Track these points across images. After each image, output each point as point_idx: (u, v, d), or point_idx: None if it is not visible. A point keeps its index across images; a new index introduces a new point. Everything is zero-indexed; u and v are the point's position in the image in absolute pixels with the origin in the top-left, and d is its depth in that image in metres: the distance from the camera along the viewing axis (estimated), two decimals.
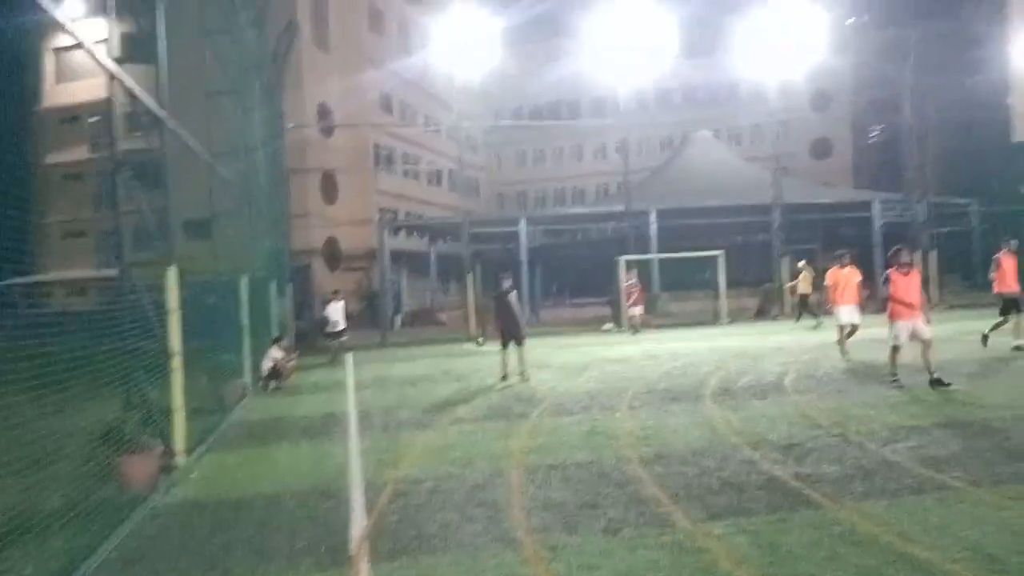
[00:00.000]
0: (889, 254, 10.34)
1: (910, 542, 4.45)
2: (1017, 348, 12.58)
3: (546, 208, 58.83)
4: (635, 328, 22.26)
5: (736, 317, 26.09)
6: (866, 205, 35.37)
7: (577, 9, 33.62)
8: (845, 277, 13.58)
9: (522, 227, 33.88)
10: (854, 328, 13.64)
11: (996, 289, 13.51)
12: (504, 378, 12.77)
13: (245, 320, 12.82)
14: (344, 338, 18.89)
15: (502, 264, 43.40)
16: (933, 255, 28.84)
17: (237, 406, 11.63)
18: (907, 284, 9.96)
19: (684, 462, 6.69)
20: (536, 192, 63.40)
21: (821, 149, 57.13)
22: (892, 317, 10.08)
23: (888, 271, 10.17)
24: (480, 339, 21.89)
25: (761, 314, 27.19)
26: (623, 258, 25.13)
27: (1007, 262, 13.40)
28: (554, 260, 40.30)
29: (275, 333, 16.83)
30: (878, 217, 34.16)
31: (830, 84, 54.36)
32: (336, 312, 18.79)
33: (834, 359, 13.31)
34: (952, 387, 9.40)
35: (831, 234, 39.41)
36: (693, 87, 58.51)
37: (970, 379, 10.26)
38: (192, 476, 7.38)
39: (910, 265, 10.16)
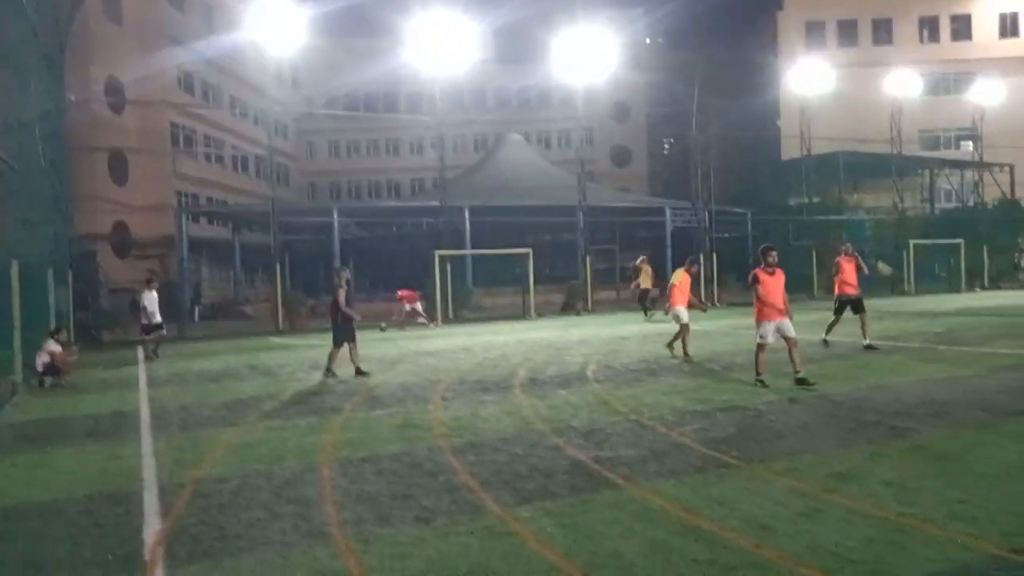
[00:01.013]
0: (759, 251, 10.06)
1: (695, 515, 4.92)
2: (868, 347, 13.15)
3: (361, 200, 57.72)
4: (401, 325, 22.46)
5: (544, 311, 27.21)
6: (660, 211, 38.35)
7: (393, 7, 33.39)
8: (688, 280, 13.47)
9: (335, 218, 33.08)
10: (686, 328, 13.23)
11: (837, 291, 14.19)
12: (331, 374, 12.30)
13: (16, 310, 11.41)
14: (163, 331, 17.14)
15: (313, 256, 42.18)
16: (714, 257, 31.81)
17: (6, 405, 10.34)
18: (774, 284, 9.84)
19: (495, 450, 6.91)
20: (350, 184, 62.04)
21: (621, 157, 61.00)
22: (760, 317, 9.86)
23: (755, 271, 9.95)
24: (384, 324, 21.81)
25: (567, 309, 28.56)
26: (438, 252, 25.32)
27: (847, 264, 14.08)
28: (369, 253, 39.71)
29: (52, 325, 15.16)
30: (669, 221, 37.14)
31: (629, 97, 58.30)
32: (151, 302, 16.76)
33: (631, 351, 14.30)
34: (815, 386, 9.41)
35: (628, 235, 42.30)
36: (506, 90, 60.12)
37: (743, 369, 11.44)
38: None
39: (776, 265, 9.94)
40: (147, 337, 16.75)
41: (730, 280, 36.57)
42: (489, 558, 4.31)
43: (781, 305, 9.84)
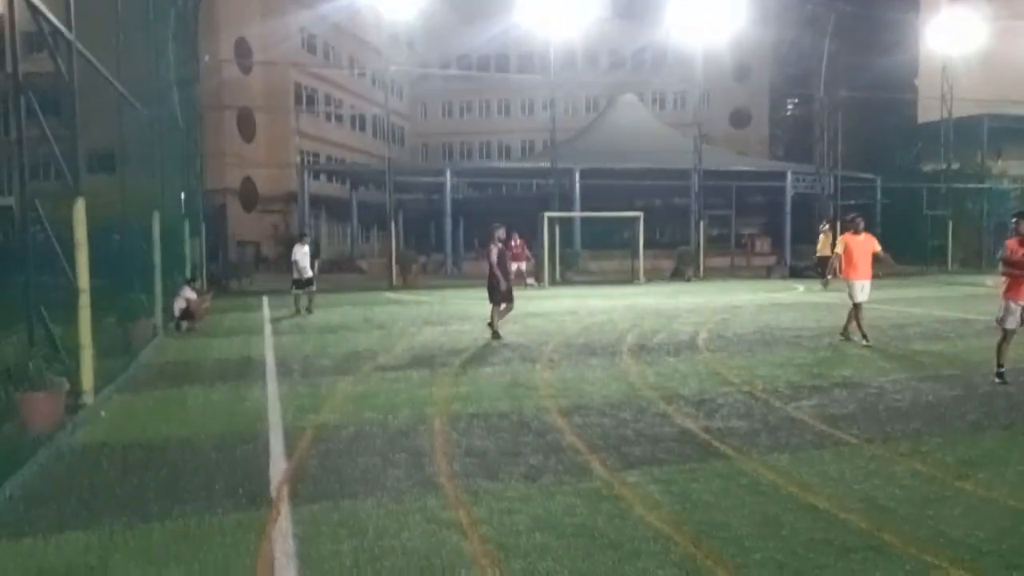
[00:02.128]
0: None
1: (809, 492, 4.76)
2: None
3: (472, 161, 58.28)
4: (530, 284, 22.54)
5: (652, 277, 26.78)
6: (780, 175, 36.67)
7: None
8: (860, 245, 10.96)
9: (447, 178, 33.57)
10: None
11: None
12: (496, 335, 11.70)
13: (156, 259, 12.30)
14: (313, 287, 16.25)
15: (425, 214, 43.08)
16: (837, 226, 30.20)
17: (148, 347, 11.21)
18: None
19: (601, 413, 6.91)
20: (462, 144, 62.65)
21: (740, 119, 58.55)
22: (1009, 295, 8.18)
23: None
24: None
25: (676, 275, 27.99)
26: (547, 214, 25.29)
27: None
28: (479, 214, 40.18)
29: (188, 274, 16.26)
30: (790, 187, 35.50)
31: (752, 56, 55.57)
32: (303, 256, 16.16)
33: (744, 320, 13.86)
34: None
35: (745, 201, 40.76)
36: (620, 50, 58.64)
37: (861, 344, 10.88)
38: (100, 416, 7.12)
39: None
40: (298, 291, 16.17)
41: None
42: (595, 520, 4.34)
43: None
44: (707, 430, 6.28)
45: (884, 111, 40.94)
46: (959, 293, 19.19)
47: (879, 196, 37.66)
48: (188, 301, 13.70)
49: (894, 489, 4.79)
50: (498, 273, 11.67)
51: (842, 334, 11.18)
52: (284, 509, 4.60)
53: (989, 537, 4.00)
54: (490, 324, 11.94)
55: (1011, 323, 8.08)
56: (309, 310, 15.88)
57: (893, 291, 20.19)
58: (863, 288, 10.82)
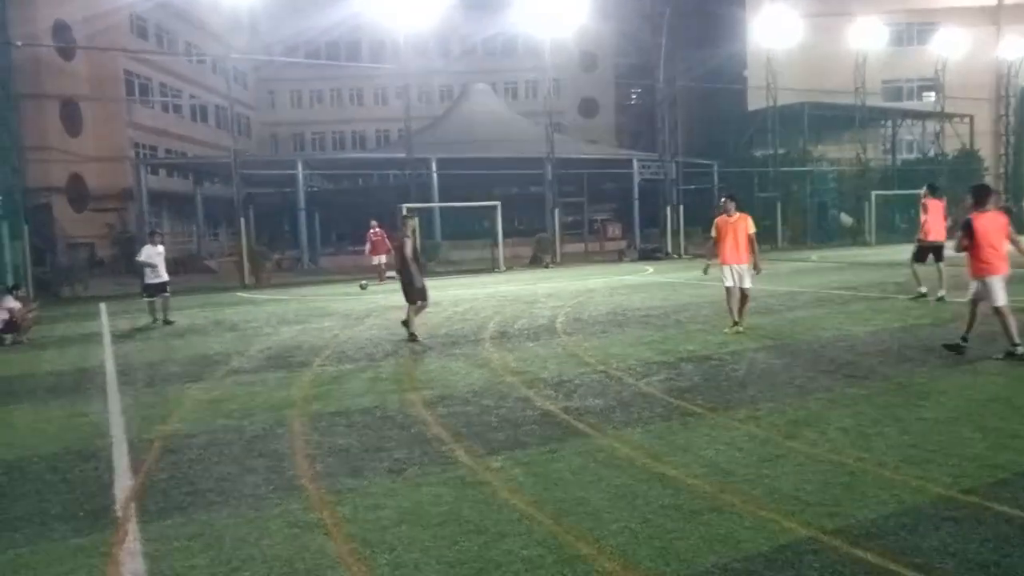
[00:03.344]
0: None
1: (660, 462, 5.07)
2: (940, 299, 12.48)
3: (325, 152, 56.68)
4: (388, 278, 22.21)
5: (512, 264, 27.26)
6: (628, 162, 38.34)
7: None
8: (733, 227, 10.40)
9: (299, 170, 32.51)
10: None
11: (922, 235, 13.22)
12: (413, 337, 10.68)
13: None
14: (167, 294, 14.51)
15: (278, 208, 41.47)
16: (680, 209, 32.02)
17: None
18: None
19: (465, 402, 6.99)
20: (313, 135, 60.78)
21: (588, 108, 60.52)
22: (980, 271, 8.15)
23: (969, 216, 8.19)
24: (364, 283, 20.82)
25: (535, 262, 28.65)
26: (406, 206, 25.07)
27: (934, 206, 13.10)
28: (334, 206, 39.22)
29: (10, 281, 14.82)
30: (637, 173, 37.18)
31: (597, 47, 57.52)
32: (155, 256, 14.40)
33: (599, 303, 14.43)
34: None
35: (596, 188, 42.29)
36: (472, 39, 58.92)
37: (707, 320, 11.66)
38: None
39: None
40: (150, 298, 14.45)
41: (696, 232, 36.93)
42: (461, 507, 4.41)
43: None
44: (566, 410, 6.51)
45: (718, 101, 43.74)
46: (787, 268, 20.91)
47: (716, 181, 40.24)
48: (11, 311, 12.52)
49: (734, 452, 5.19)
50: (412, 268, 10.62)
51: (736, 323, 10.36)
52: (131, 528, 4.34)
53: (814, 490, 4.44)
54: (405, 324, 10.95)
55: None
56: (167, 319, 14.26)
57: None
58: (732, 272, 10.27)
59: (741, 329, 10.18)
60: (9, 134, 20.19)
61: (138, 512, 4.58)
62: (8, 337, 12.34)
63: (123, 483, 5.14)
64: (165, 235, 38.95)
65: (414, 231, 10.86)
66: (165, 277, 14.52)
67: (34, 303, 15.38)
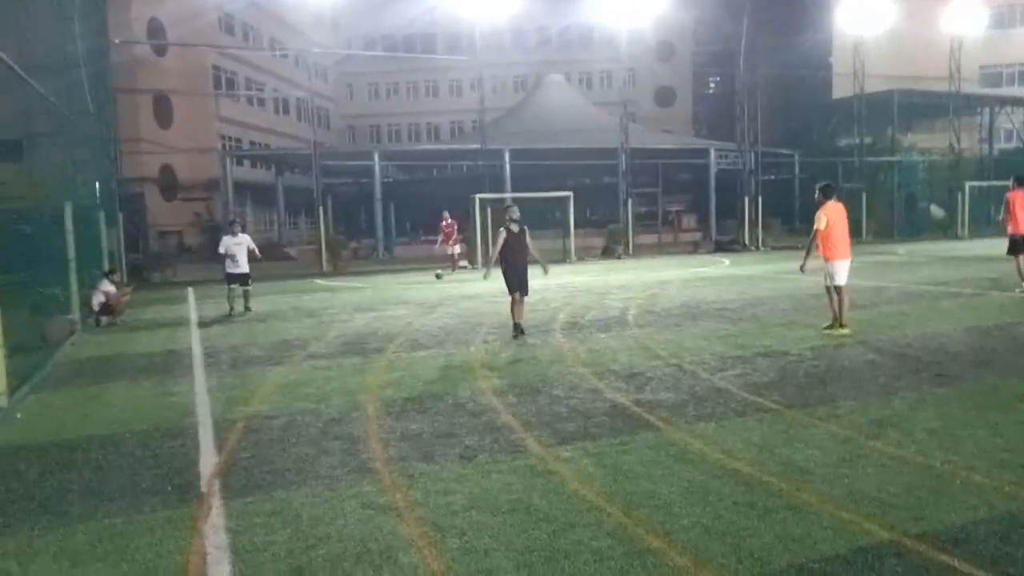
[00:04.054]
0: None
1: (734, 458, 4.96)
2: None
3: (400, 144, 57.59)
4: (462, 267, 22.46)
5: (584, 255, 27.12)
6: (704, 152, 37.55)
7: None
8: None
9: (376, 161, 33.12)
10: None
11: (1012, 229, 13.12)
12: (515, 328, 10.16)
13: (71, 251, 11.78)
14: (248, 286, 14.15)
15: (354, 199, 42.39)
16: (759, 200, 31.16)
17: (65, 343, 10.78)
18: None
19: (535, 391, 7.00)
20: (390, 127, 61.83)
21: (664, 97, 59.52)
22: None
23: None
24: (439, 272, 21.12)
25: (607, 253, 28.41)
26: (478, 196, 25.26)
27: (1020, 199, 13.00)
28: (408, 197, 39.81)
29: (106, 266, 15.66)
30: (714, 163, 36.37)
31: (675, 35, 56.44)
32: (233, 247, 13.92)
33: (672, 296, 14.21)
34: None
35: (671, 178, 41.59)
36: (547, 30, 58.72)
37: (785, 314, 11.33)
38: (16, 417, 6.83)
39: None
40: (231, 287, 14.04)
41: (775, 224, 35.84)
42: (530, 495, 4.42)
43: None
44: (637, 403, 6.44)
45: (801, 89, 42.30)
46: (873, 262, 20.09)
47: (797, 171, 38.97)
48: (107, 295, 13.21)
49: (812, 451, 5.03)
50: (496, 258, 10.33)
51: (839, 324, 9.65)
52: (215, 503, 4.53)
53: (898, 492, 4.26)
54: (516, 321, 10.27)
55: None
56: (247, 307, 14.09)
57: (815, 262, 21.00)
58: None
59: (848, 331, 9.37)
60: (107, 126, 21.27)
61: (221, 488, 4.77)
62: (104, 319, 13.03)
63: (208, 460, 5.37)
64: (247, 223, 40.41)
65: (514, 220, 10.24)
66: (245, 268, 14.03)
67: (128, 287, 16.20)
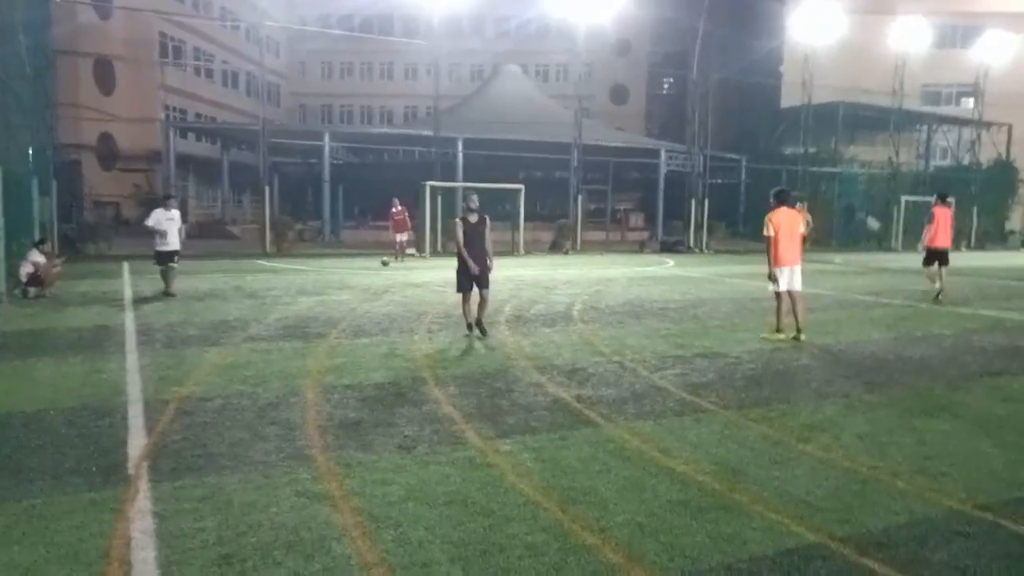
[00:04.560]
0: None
1: (670, 457, 5.04)
2: (937, 300, 13.52)
3: (352, 125, 56.68)
4: (404, 255, 22.18)
5: (532, 249, 27.19)
6: (655, 152, 38.01)
7: None
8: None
9: (326, 142, 32.56)
10: None
11: (928, 242, 14.10)
12: (469, 328, 9.51)
13: None
14: (175, 264, 13.29)
15: (302, 179, 41.55)
16: (705, 203, 31.73)
17: None
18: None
19: (477, 383, 7.00)
20: (342, 107, 60.79)
21: (619, 94, 59.96)
22: None
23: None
24: (386, 259, 20.66)
25: (555, 247, 28.56)
26: (429, 183, 25.08)
27: (942, 214, 14.01)
28: (358, 180, 39.26)
29: (36, 235, 15.02)
30: (664, 164, 36.86)
31: (632, 33, 56.84)
32: (164, 222, 13.08)
33: (617, 293, 14.37)
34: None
35: (621, 176, 41.99)
36: (506, 20, 58.49)
37: (726, 317, 11.57)
38: None
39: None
40: (160, 267, 13.27)
41: (720, 227, 36.55)
42: (468, 488, 4.41)
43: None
44: (578, 399, 6.49)
45: (751, 95, 43.15)
46: (811, 269, 20.64)
47: (744, 176, 39.79)
48: (36, 265, 12.68)
49: (745, 452, 5.15)
50: (464, 254, 9.35)
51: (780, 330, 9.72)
52: (143, 486, 4.39)
53: (825, 495, 4.39)
54: (473, 319, 9.55)
55: None
56: (168, 291, 13.10)
57: (756, 266, 21.52)
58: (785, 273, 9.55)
59: (803, 338, 9.45)
60: (43, 90, 20.36)
61: (150, 471, 4.63)
62: (32, 290, 12.51)
63: (137, 442, 5.20)
64: (189, 199, 39.19)
65: (472, 209, 9.45)
66: (176, 245, 13.22)
67: (59, 258, 15.57)
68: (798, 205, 19.98)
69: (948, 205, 14.31)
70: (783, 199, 9.60)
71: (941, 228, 13.97)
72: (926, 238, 14.21)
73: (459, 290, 9.56)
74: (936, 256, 13.99)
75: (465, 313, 9.57)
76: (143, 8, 37.08)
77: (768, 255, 9.57)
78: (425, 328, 10.08)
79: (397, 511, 4.07)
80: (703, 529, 3.90)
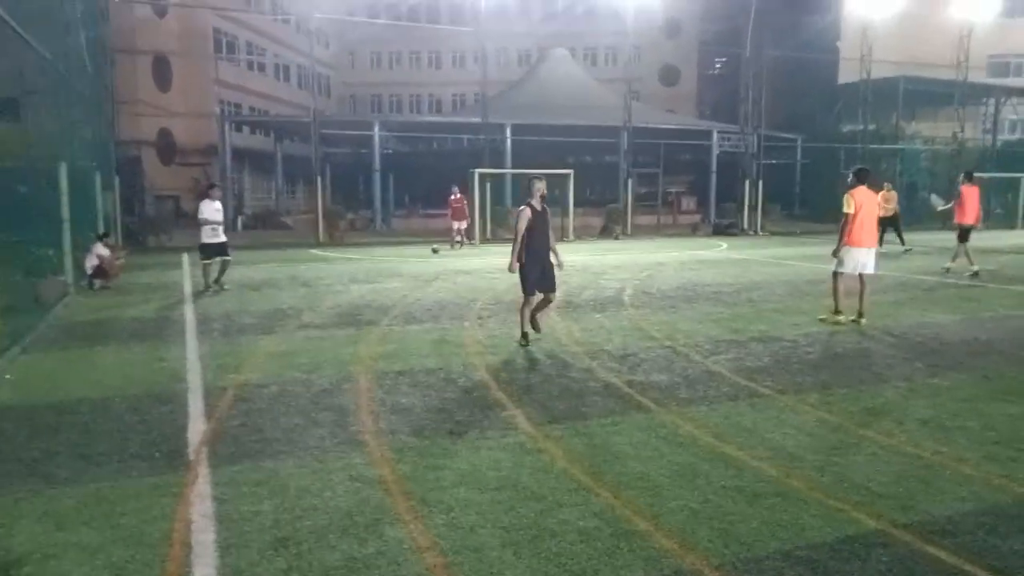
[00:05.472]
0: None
1: (724, 442, 4.95)
2: (975, 274, 13.87)
3: (401, 114, 57.09)
4: (458, 244, 22.16)
5: (582, 234, 27.02)
6: (707, 134, 37.26)
7: None
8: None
9: (376, 131, 32.85)
10: None
11: (959, 219, 14.64)
12: (524, 337, 8.15)
13: (65, 212, 11.67)
14: (228, 256, 12.94)
15: (353, 169, 42.09)
16: (759, 185, 31.02)
17: (58, 305, 10.72)
18: None
19: (528, 369, 6.99)
20: (391, 97, 61.22)
21: (669, 76, 58.91)
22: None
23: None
24: (436, 247, 20.80)
25: (605, 232, 28.31)
26: (478, 171, 25.09)
27: (969, 192, 14.58)
28: (408, 169, 39.54)
29: (101, 228, 15.55)
30: (716, 145, 36.13)
31: (682, 12, 55.67)
32: (213, 214, 12.68)
33: (668, 277, 14.18)
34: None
35: (672, 159, 41.31)
36: (552, 3, 57.94)
37: (780, 300, 11.31)
38: (6, 378, 6.79)
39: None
40: (206, 261, 12.76)
41: (775, 209, 35.69)
42: (519, 473, 4.41)
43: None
44: (630, 384, 6.43)
45: (806, 72, 41.86)
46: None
47: (799, 156, 38.73)
48: (101, 258, 13.12)
49: (802, 437, 5.02)
50: (520, 244, 7.98)
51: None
52: (202, 471, 4.51)
53: (887, 481, 4.25)
54: (526, 326, 8.24)
55: None
56: (220, 284, 12.72)
57: (812, 248, 20.98)
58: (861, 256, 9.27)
59: (864, 321, 9.17)
60: (104, 88, 21.00)
61: (209, 456, 4.76)
62: (97, 282, 12.96)
63: (197, 427, 5.35)
64: (245, 191, 39.94)
65: (542, 195, 8.23)
66: (223, 237, 12.83)
67: (122, 251, 16.11)
68: (886, 186, 19.64)
69: (975, 183, 14.82)
70: (863, 178, 9.20)
71: (969, 206, 14.49)
72: (956, 216, 14.64)
73: (529, 292, 8.06)
74: (962, 233, 14.49)
75: (523, 320, 8.19)
76: (198, 5, 37.93)
77: (840, 233, 9.21)
78: (475, 315, 10.10)
79: (449, 496, 4.09)
80: (758, 515, 3.82)
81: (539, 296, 8.16)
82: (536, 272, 8.04)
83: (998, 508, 3.91)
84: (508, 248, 8.33)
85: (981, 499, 4.02)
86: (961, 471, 4.42)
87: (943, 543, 3.51)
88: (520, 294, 8.25)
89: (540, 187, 8.15)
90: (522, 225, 7.94)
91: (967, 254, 14.28)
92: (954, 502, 3.98)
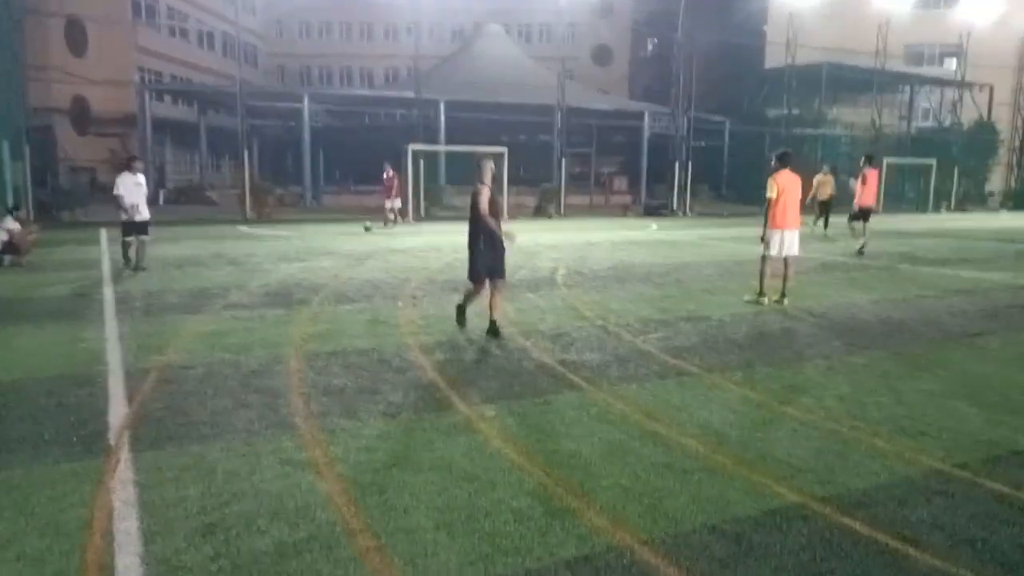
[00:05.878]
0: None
1: (654, 420, 5.06)
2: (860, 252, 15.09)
3: (331, 87, 55.70)
4: (391, 222, 21.93)
5: (516, 214, 27.05)
6: (639, 115, 37.72)
7: None
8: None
9: (306, 104, 32.02)
10: None
11: (859, 201, 15.56)
12: (461, 314, 7.97)
13: None
14: (147, 236, 12.21)
15: (281, 142, 40.94)
16: (688, 166, 31.65)
17: None
18: None
19: (462, 349, 6.98)
20: (321, 69, 59.66)
21: (602, 56, 59.23)
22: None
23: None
24: (368, 224, 20.31)
25: (539, 212, 28.44)
26: (412, 147, 24.77)
27: (872, 175, 15.58)
28: (339, 144, 38.72)
29: (10, 201, 14.72)
30: (647, 127, 36.63)
31: None
32: (133, 189, 11.91)
33: (600, 257, 14.36)
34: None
35: (604, 139, 41.72)
36: None
37: (708, 280, 11.61)
38: None
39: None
40: (127, 239, 12.04)
41: (704, 190, 36.50)
42: (452, 454, 4.41)
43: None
44: (562, 363, 6.50)
45: (735, 56, 42.80)
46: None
47: (727, 139, 39.64)
48: (11, 232, 12.45)
49: (728, 414, 5.18)
50: (489, 225, 7.49)
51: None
52: (124, 456, 4.35)
53: (806, 456, 4.44)
54: (459, 308, 7.99)
55: None
56: (140, 265, 11.98)
57: (739, 229, 21.58)
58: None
59: (787, 302, 9.46)
60: (11, 51, 19.79)
61: (131, 440, 4.59)
62: (7, 258, 12.30)
63: (118, 411, 5.15)
64: (167, 163, 38.36)
65: (495, 178, 7.91)
66: (147, 215, 12.11)
67: (34, 225, 15.30)
68: (824, 169, 20.44)
69: (876, 167, 16.15)
70: (786, 161, 9.40)
71: (870, 188, 15.55)
72: (857, 197, 15.55)
73: (475, 278, 7.59)
74: (863, 213, 15.53)
75: (466, 304, 7.86)
76: None
77: (765, 217, 9.48)
78: (409, 294, 10.02)
79: (381, 477, 4.06)
80: (687, 491, 3.93)
81: (487, 289, 7.61)
82: (488, 256, 7.50)
83: (908, 480, 4.13)
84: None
85: (893, 472, 4.24)
86: (875, 445, 4.65)
87: (858, 515, 3.68)
88: (464, 279, 7.83)
89: (490, 165, 7.71)
90: (484, 204, 7.45)
91: (863, 232, 15.42)
92: (869, 475, 4.18)
